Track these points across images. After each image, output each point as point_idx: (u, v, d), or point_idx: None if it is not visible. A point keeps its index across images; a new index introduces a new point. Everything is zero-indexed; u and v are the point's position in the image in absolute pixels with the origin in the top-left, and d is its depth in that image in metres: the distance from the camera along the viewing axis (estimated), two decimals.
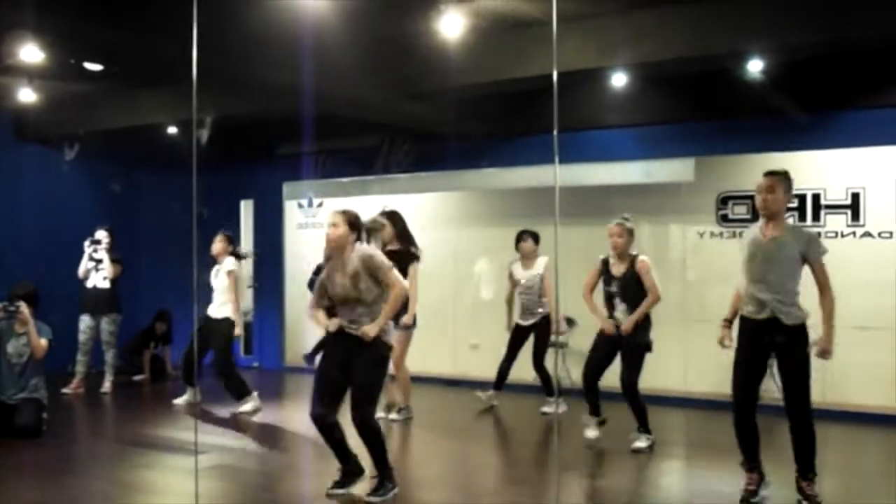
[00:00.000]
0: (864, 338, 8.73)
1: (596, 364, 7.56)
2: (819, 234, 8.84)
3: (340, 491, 5.97)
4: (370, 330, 5.73)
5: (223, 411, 9.15)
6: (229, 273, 9.16)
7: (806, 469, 5.69)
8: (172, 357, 11.93)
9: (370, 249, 5.97)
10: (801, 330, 5.66)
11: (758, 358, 5.79)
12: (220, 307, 9.14)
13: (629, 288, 7.39)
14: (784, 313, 5.60)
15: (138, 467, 7.09)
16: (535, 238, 9.07)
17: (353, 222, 5.91)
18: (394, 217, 8.40)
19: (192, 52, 5.24)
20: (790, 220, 6.37)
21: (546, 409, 9.08)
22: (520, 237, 9.10)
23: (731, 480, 6.12)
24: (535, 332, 9.06)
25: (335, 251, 5.89)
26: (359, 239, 5.94)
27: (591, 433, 7.66)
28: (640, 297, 7.36)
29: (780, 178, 5.74)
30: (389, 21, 7.97)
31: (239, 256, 9.45)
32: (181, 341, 11.83)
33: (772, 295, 5.61)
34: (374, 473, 5.96)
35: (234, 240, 9.52)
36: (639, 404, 7.44)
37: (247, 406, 9.07)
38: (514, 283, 9.21)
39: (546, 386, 9.11)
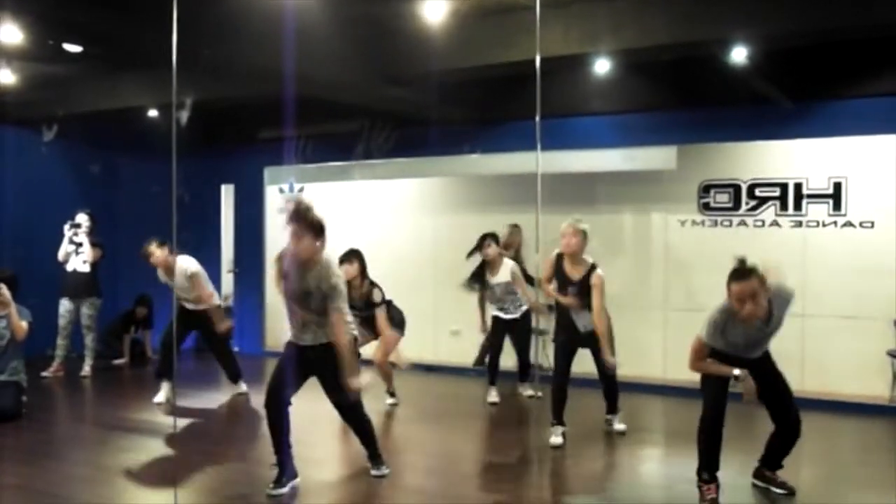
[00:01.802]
0: (844, 327, 8.81)
1: (566, 369, 7.39)
2: (801, 223, 8.97)
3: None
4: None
5: (202, 395, 9.15)
6: (192, 276, 8.88)
7: (779, 463, 5.79)
8: (153, 341, 11.90)
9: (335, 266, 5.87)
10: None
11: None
12: (195, 303, 9.03)
13: (585, 297, 7.20)
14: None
15: (118, 451, 7.07)
16: (498, 241, 8.94)
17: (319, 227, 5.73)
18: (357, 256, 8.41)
19: (173, 35, 5.20)
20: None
21: (528, 391, 9.14)
22: (481, 243, 8.91)
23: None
24: (516, 327, 9.01)
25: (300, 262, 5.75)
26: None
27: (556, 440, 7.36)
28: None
29: (756, 279, 5.28)
30: (372, 5, 7.94)
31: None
32: (162, 325, 11.81)
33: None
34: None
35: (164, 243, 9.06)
36: (615, 389, 7.55)
37: (242, 387, 9.22)
38: (484, 285, 9.09)
39: (522, 372, 9.16)
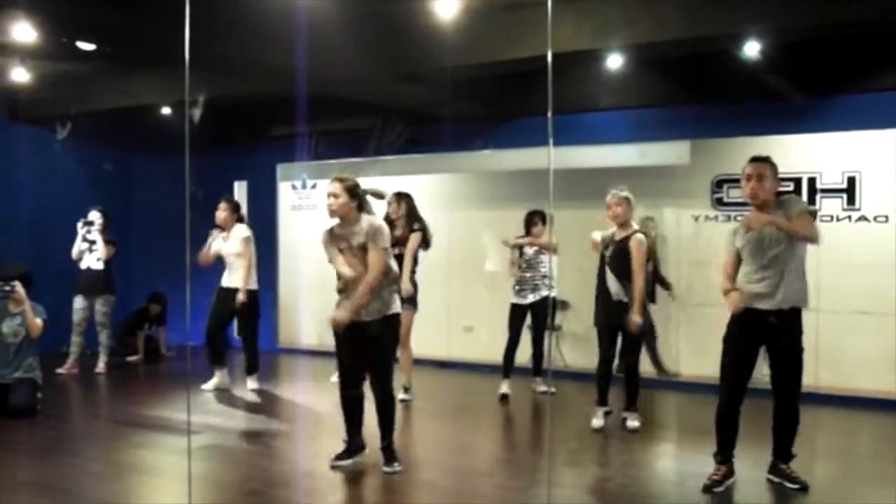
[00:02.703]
0: (859, 322, 8.77)
1: (609, 353, 7.61)
2: (815, 217, 8.94)
3: (345, 462, 6.25)
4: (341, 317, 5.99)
5: (217, 390, 9.18)
6: (244, 240, 9.23)
7: (789, 452, 5.78)
8: (167, 338, 11.94)
9: (378, 220, 6.07)
10: (797, 314, 5.65)
11: (753, 351, 5.77)
12: (238, 276, 9.20)
13: (619, 258, 7.41)
14: (784, 299, 5.57)
15: (132, 447, 7.09)
16: (545, 220, 8.95)
17: (352, 190, 5.97)
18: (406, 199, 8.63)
19: (185, 33, 5.21)
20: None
21: (541, 387, 9.09)
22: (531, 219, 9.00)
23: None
24: (534, 312, 8.98)
25: (340, 221, 6.04)
26: (361, 209, 6.00)
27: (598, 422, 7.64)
28: (627, 271, 7.40)
29: (768, 165, 5.68)
30: (383, 1, 7.93)
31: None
32: (175, 322, 11.86)
33: (774, 280, 5.57)
34: (383, 444, 6.19)
35: (238, 206, 9.56)
36: (636, 384, 7.57)
37: (253, 384, 9.30)
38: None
39: (536, 365, 9.15)
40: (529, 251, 8.92)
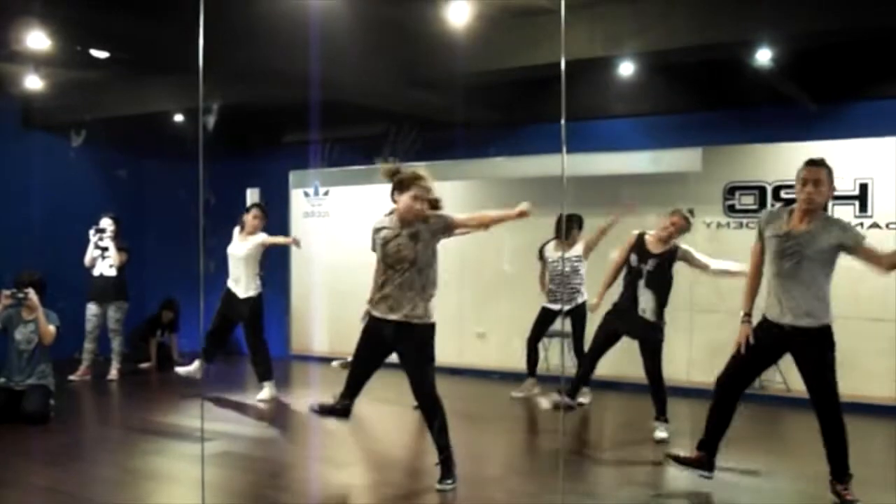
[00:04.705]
0: (873, 329, 8.73)
1: (601, 349, 7.65)
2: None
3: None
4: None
5: (231, 397, 9.19)
6: (263, 244, 9.25)
7: (841, 471, 5.55)
8: (179, 345, 11.96)
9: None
10: (826, 332, 5.52)
11: (765, 359, 5.72)
12: (247, 282, 9.21)
13: (658, 273, 7.32)
14: (811, 315, 5.45)
15: (145, 454, 7.11)
16: (581, 225, 8.97)
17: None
18: None
19: (199, 40, 5.23)
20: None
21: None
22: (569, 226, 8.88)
23: (737, 470, 6.14)
24: (570, 317, 8.95)
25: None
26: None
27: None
28: (665, 289, 7.36)
29: (825, 169, 5.45)
30: (397, 8, 7.95)
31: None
32: (188, 329, 11.88)
33: (801, 293, 5.45)
34: (437, 460, 6.02)
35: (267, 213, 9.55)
36: (661, 391, 7.52)
37: (264, 394, 9.18)
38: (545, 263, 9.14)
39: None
40: (562, 261, 8.88)
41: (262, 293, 9.31)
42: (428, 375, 5.98)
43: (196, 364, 9.40)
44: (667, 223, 7.42)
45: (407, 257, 5.81)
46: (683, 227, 7.43)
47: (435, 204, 5.88)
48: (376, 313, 5.94)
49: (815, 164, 5.44)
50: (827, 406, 5.51)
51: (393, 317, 5.85)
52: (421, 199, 5.80)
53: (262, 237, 9.24)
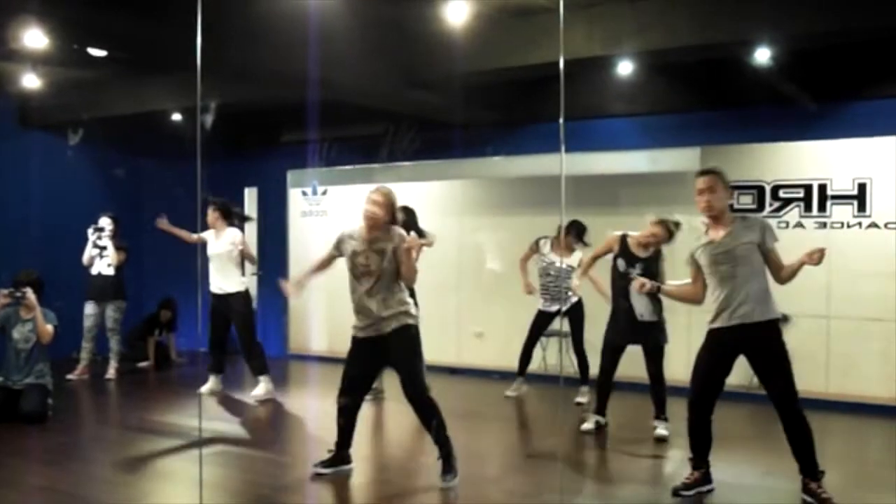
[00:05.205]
0: (869, 329, 8.73)
1: (611, 369, 7.58)
2: (825, 224, 8.91)
3: (327, 470, 6.20)
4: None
5: (228, 396, 9.19)
6: (236, 242, 9.15)
7: (810, 468, 5.54)
8: (177, 344, 11.95)
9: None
10: (775, 325, 5.57)
11: (725, 364, 5.71)
12: (229, 280, 9.16)
13: (649, 276, 7.07)
14: (759, 310, 5.51)
15: (143, 453, 7.10)
16: (582, 233, 8.76)
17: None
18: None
19: (197, 39, 5.22)
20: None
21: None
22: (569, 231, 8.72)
23: (739, 470, 6.14)
24: (568, 317, 8.93)
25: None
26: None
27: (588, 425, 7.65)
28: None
29: (718, 176, 5.67)
30: (394, 8, 7.95)
31: (243, 219, 9.67)
32: (186, 328, 11.88)
33: (745, 291, 5.52)
34: (439, 455, 6.07)
35: (228, 210, 9.38)
36: (662, 391, 7.53)
37: (259, 390, 9.13)
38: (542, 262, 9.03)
39: (581, 373, 9.03)
40: (559, 263, 8.84)
41: (248, 289, 9.31)
42: (417, 375, 6.06)
43: (211, 381, 9.40)
44: (647, 233, 7.37)
45: (374, 272, 6.03)
46: (664, 239, 7.35)
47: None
48: (360, 334, 6.13)
49: (707, 173, 5.71)
50: (786, 399, 5.53)
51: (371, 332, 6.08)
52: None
53: (234, 236, 9.20)
